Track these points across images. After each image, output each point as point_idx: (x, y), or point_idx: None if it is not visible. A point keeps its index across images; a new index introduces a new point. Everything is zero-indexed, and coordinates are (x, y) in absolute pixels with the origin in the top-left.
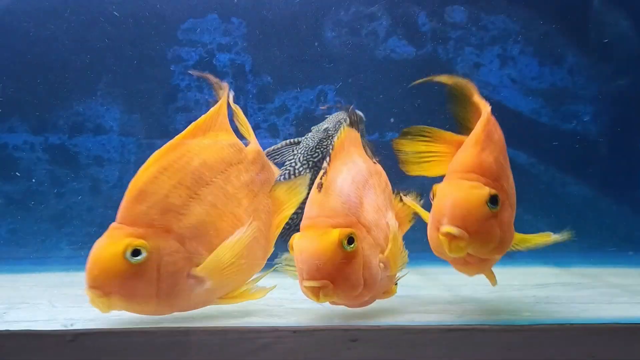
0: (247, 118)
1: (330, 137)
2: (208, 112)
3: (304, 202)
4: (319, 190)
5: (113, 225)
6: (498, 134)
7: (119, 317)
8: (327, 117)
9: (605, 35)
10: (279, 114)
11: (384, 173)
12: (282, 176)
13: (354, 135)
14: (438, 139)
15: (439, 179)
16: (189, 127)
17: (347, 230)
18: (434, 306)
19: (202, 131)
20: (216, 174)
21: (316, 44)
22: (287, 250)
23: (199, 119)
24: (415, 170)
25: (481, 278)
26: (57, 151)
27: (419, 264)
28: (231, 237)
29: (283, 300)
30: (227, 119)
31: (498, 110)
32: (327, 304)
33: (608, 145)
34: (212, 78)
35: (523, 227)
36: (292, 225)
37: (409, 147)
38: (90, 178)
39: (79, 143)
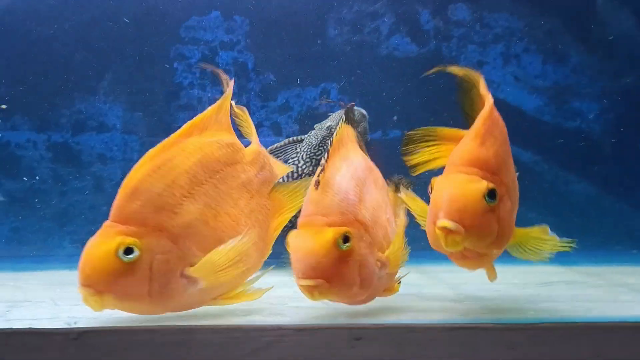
0: (250, 116)
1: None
2: (205, 111)
3: None
4: (316, 188)
5: (106, 223)
6: (500, 127)
7: (122, 315)
8: (330, 115)
9: (609, 33)
10: (281, 112)
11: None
12: (285, 178)
13: (351, 132)
14: (443, 138)
15: (438, 172)
16: (185, 125)
17: (342, 229)
18: (437, 304)
19: (199, 130)
20: (211, 173)
21: (319, 41)
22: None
23: (195, 118)
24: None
25: (483, 276)
26: (60, 149)
27: (421, 262)
28: (227, 243)
29: (286, 299)
30: (229, 117)
31: (501, 108)
32: (328, 302)
33: (612, 144)
34: (222, 74)
35: (527, 225)
36: (295, 223)
37: (416, 157)
38: (93, 176)
39: (81, 141)
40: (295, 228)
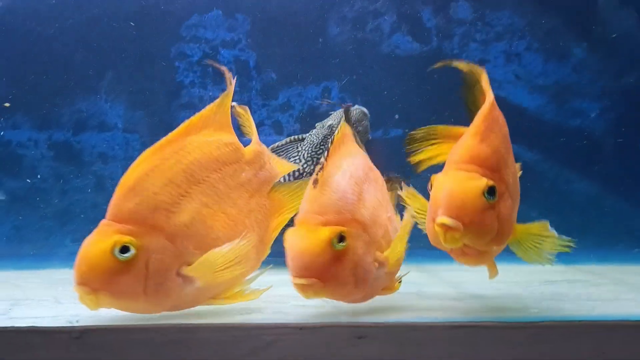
0: (251, 114)
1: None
2: (203, 110)
3: None
4: (315, 186)
5: (103, 222)
6: (500, 124)
7: (124, 313)
8: (331, 114)
9: (611, 31)
10: (283, 111)
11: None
12: (286, 177)
13: (349, 131)
14: (446, 137)
15: (438, 169)
16: (182, 124)
17: (337, 229)
18: (438, 303)
19: (197, 129)
20: (209, 172)
21: (320, 40)
22: None
23: (193, 117)
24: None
25: (484, 275)
26: (61, 148)
27: (422, 261)
28: (225, 246)
29: (287, 297)
30: (229, 116)
31: (503, 107)
32: (329, 300)
33: (613, 143)
34: (226, 72)
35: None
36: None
37: (419, 155)
38: (94, 175)
39: (83, 140)
40: None
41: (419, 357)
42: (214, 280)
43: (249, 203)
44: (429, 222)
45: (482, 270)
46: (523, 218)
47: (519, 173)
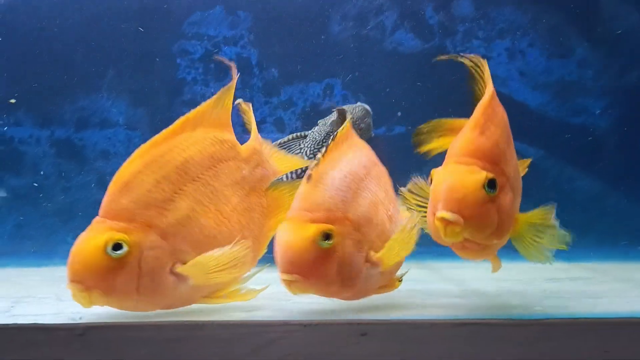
0: (253, 112)
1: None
2: (198, 107)
3: None
4: (307, 182)
5: (96, 219)
6: (500, 116)
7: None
8: (333, 111)
9: (615, 28)
10: (285, 108)
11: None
12: (289, 175)
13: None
14: (453, 130)
15: (439, 163)
16: (177, 121)
17: (324, 227)
18: (442, 300)
19: (192, 126)
20: (203, 170)
21: (322, 37)
22: None
23: (188, 113)
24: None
25: (488, 272)
26: (63, 145)
27: (425, 258)
28: (218, 249)
29: (291, 295)
30: (227, 113)
31: (506, 104)
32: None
33: (617, 140)
34: (233, 68)
35: None
36: None
37: (427, 146)
38: (96, 172)
39: (85, 137)
40: None
41: (422, 354)
42: (207, 281)
43: (244, 201)
44: (429, 217)
45: (485, 268)
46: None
47: (526, 171)
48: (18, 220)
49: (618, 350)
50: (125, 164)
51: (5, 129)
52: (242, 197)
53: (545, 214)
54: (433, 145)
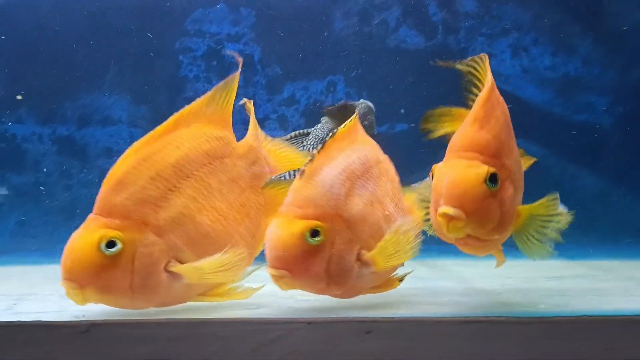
0: (255, 109)
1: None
2: (193, 103)
3: None
4: (300, 177)
5: (89, 216)
6: (500, 110)
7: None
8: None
9: (619, 25)
10: (288, 105)
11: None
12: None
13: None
14: (460, 117)
15: (441, 159)
16: (171, 117)
17: (312, 223)
18: (447, 298)
19: (187, 122)
20: (198, 166)
21: (325, 34)
22: None
23: (182, 109)
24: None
25: (493, 270)
26: (65, 142)
27: (430, 256)
28: (214, 256)
29: (295, 292)
30: (224, 109)
31: (509, 101)
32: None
33: (621, 137)
34: (239, 64)
35: None
36: None
37: (436, 129)
38: (98, 169)
39: (87, 134)
40: None
41: (427, 352)
42: (201, 281)
43: (240, 198)
44: (432, 213)
45: (489, 265)
46: None
47: (529, 164)
48: (20, 218)
49: (622, 348)
50: (119, 161)
51: (10, 124)
52: (238, 194)
53: (550, 203)
54: (442, 128)
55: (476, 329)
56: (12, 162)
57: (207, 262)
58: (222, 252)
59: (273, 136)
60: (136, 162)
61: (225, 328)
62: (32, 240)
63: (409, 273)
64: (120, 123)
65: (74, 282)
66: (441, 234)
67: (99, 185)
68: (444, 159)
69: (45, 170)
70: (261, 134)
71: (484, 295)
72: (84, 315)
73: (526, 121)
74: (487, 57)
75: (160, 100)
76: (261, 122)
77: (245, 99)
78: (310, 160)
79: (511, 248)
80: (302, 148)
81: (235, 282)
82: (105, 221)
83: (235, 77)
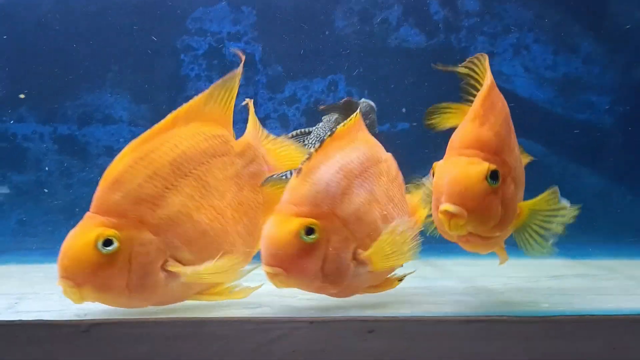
0: (257, 108)
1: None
2: (190, 101)
3: None
4: (297, 175)
5: (86, 214)
6: (500, 106)
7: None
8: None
9: (621, 24)
10: (289, 104)
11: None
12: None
13: (360, 123)
14: (464, 113)
15: (440, 157)
16: (168, 116)
17: (307, 221)
18: (449, 297)
19: (184, 121)
20: (196, 165)
21: (327, 32)
22: None
23: (180, 108)
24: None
25: (495, 269)
26: (66, 141)
27: (432, 255)
28: (211, 261)
29: (297, 291)
30: (223, 108)
31: (510, 100)
32: None
33: (622, 136)
34: (242, 61)
35: None
36: None
37: (441, 122)
38: (99, 168)
39: (88, 133)
40: None
41: (429, 351)
42: (198, 280)
43: (237, 196)
44: (434, 211)
45: (489, 264)
46: None
47: (526, 161)
48: (21, 217)
49: (624, 347)
50: (116, 159)
51: (11, 123)
52: (236, 193)
53: (551, 197)
54: (447, 120)
55: (478, 328)
56: (13, 161)
57: (203, 267)
58: (218, 257)
59: (275, 135)
60: (133, 160)
61: (225, 327)
62: (32, 239)
63: (410, 273)
64: (121, 122)
65: (71, 280)
66: (443, 232)
67: None
68: (445, 157)
69: (46, 169)
70: (262, 132)
71: (486, 295)
72: (85, 315)
73: (527, 120)
74: (486, 56)
75: (161, 99)
76: (262, 121)
77: (247, 100)
78: (308, 159)
79: (512, 247)
80: (303, 147)
81: (233, 281)
82: (102, 220)
83: (235, 75)
